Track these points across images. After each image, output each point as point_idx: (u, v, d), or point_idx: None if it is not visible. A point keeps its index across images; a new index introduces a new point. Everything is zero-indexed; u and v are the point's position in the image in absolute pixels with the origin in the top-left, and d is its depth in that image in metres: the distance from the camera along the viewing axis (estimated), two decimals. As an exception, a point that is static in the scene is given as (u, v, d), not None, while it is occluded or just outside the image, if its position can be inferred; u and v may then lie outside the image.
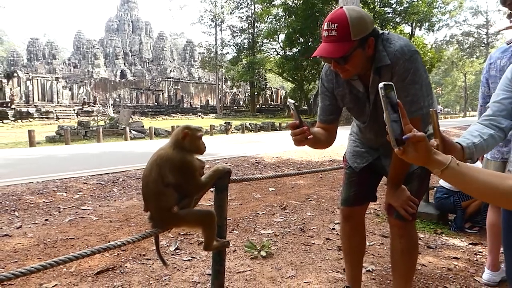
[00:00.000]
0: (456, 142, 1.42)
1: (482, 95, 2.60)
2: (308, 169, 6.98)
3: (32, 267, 1.28)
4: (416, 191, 1.89)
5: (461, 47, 58.67)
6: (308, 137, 1.60)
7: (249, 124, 22.86)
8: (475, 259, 3.03)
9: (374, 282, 2.62)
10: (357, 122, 2.05)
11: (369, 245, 3.22)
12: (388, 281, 2.61)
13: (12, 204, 4.37)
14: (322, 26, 1.63)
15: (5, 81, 33.34)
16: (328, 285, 2.57)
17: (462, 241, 3.42)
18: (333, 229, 3.72)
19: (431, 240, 3.44)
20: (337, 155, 8.41)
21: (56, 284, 2.52)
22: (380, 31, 1.69)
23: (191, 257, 3.01)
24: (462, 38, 57.87)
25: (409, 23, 33.99)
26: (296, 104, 1.58)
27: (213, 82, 51.72)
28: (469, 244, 3.34)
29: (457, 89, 71.08)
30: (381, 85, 1.03)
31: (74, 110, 34.03)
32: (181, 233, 3.51)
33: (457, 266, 2.88)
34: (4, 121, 27.87)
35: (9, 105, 30.64)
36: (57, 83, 37.26)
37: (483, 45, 56.37)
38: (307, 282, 2.61)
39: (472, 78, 62.37)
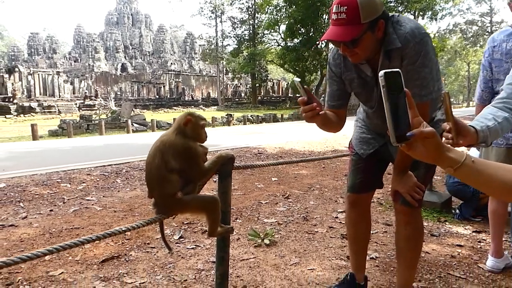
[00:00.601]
0: (470, 125, 1.39)
1: (483, 79, 2.53)
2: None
3: (39, 252, 1.29)
4: (422, 177, 1.88)
5: (465, 36, 58.01)
6: (320, 112, 1.59)
7: (251, 116, 22.83)
8: (478, 246, 3.03)
9: (377, 269, 2.64)
10: (365, 108, 2.03)
11: (372, 233, 3.23)
12: (392, 268, 2.62)
13: (17, 195, 4.40)
14: (331, 9, 1.61)
15: (6, 76, 33.33)
16: (331, 272, 2.58)
17: (465, 229, 3.43)
18: (336, 217, 3.74)
19: (434, 228, 3.45)
20: (340, 145, 8.41)
21: (62, 272, 2.54)
22: (390, 14, 1.67)
23: (195, 245, 3.03)
24: (466, 27, 57.21)
25: (411, 12, 33.68)
26: (301, 81, 1.56)
27: (214, 75, 51.59)
28: (473, 232, 3.35)
29: (460, 79, 70.64)
30: (381, 73, 0.92)
31: (76, 104, 34.03)
32: (185, 222, 3.53)
33: (460, 254, 2.88)
34: (7, 116, 27.91)
35: (11, 100, 30.67)
36: (58, 77, 37.24)
37: (487, 33, 55.77)
38: (311, 269, 2.63)
39: (476, 67, 61.82)
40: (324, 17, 31.84)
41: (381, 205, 4.16)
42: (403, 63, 1.64)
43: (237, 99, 47.14)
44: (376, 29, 1.59)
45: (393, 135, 0.91)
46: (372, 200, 2.45)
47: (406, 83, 1.71)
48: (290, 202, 4.28)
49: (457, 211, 3.72)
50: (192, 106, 41.42)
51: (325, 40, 1.65)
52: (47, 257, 2.76)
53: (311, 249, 2.97)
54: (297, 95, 43.03)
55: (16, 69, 35.05)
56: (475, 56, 58.21)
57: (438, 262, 2.73)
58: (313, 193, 4.67)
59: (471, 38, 58.20)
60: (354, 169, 2.13)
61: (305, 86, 1.57)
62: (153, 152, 1.61)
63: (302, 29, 33.49)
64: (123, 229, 1.52)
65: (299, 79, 1.56)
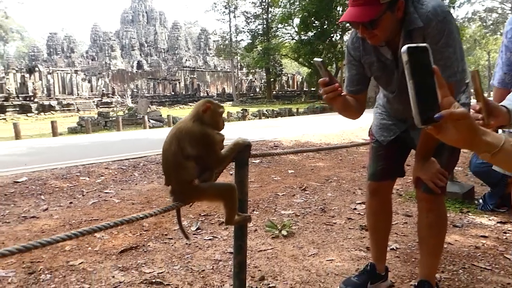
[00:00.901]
0: (501, 105, 1.32)
1: (507, 61, 2.40)
2: (328, 151, 6.92)
3: (59, 237, 1.28)
4: (446, 164, 1.81)
5: (484, 24, 56.26)
6: (341, 94, 1.55)
7: (266, 110, 22.78)
8: (504, 237, 2.93)
9: (398, 260, 2.58)
10: (385, 92, 1.98)
11: (392, 224, 3.15)
12: (413, 259, 2.57)
13: (38, 188, 4.48)
14: None
15: (27, 75, 34.05)
16: (350, 263, 2.54)
17: (490, 220, 3.33)
18: (355, 209, 3.68)
19: (456, 219, 3.36)
20: (357, 137, 8.30)
21: (82, 262, 2.57)
22: None
23: (213, 236, 3.03)
24: (485, 15, 55.47)
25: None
26: (323, 61, 1.52)
27: (228, 70, 51.60)
28: (497, 222, 3.25)
29: (481, 68, 68.88)
30: (404, 48, 0.81)
31: (94, 101, 34.53)
32: (202, 214, 3.53)
33: (485, 245, 2.80)
34: (28, 115, 28.52)
35: (32, 98, 31.32)
36: (76, 76, 37.84)
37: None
38: (330, 260, 2.59)
39: (496, 56, 60.10)
40: (338, 9, 31.42)
41: (401, 196, 4.08)
42: (425, 43, 1.58)
43: (252, 94, 47.09)
44: (395, 9, 1.54)
45: (418, 116, 0.80)
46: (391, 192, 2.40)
47: None
48: (307, 194, 4.24)
49: (480, 201, 3.62)
50: (208, 102, 41.41)
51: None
52: (67, 247, 2.80)
53: (329, 240, 2.93)
54: (312, 88, 42.77)
55: (36, 68, 35.77)
56: (495, 45, 56.45)
57: (461, 253, 2.66)
58: (330, 185, 4.62)
59: (491, 26, 56.36)
60: (374, 157, 2.08)
61: (327, 67, 1.53)
62: (169, 139, 1.59)
63: (316, 22, 33.19)
64: (140, 216, 1.51)
65: (320, 59, 1.52)
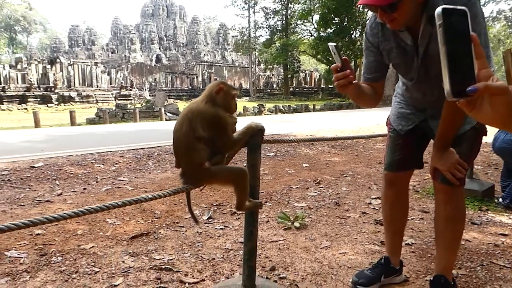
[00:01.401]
0: None
1: None
2: (343, 147, 6.82)
3: (65, 213, 1.27)
4: (465, 154, 1.73)
5: (509, 23, 54.80)
6: (353, 81, 1.49)
7: (283, 106, 22.70)
8: (524, 236, 2.83)
9: (413, 255, 2.51)
10: (404, 80, 1.91)
11: (408, 220, 3.07)
12: (429, 255, 2.49)
13: (53, 174, 4.54)
14: None
15: (49, 67, 34.70)
16: (364, 257, 2.48)
17: (510, 218, 3.21)
18: (370, 203, 3.60)
19: (475, 216, 3.25)
20: (373, 133, 8.16)
21: (93, 246, 2.57)
22: None
23: (224, 226, 3.00)
24: (511, 14, 54.00)
25: None
26: (338, 46, 1.46)
27: (246, 65, 51.57)
28: (518, 221, 3.13)
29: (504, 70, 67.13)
30: (438, 9, 0.72)
31: (112, 94, 34.99)
32: (214, 204, 3.51)
33: (505, 243, 2.70)
34: (49, 105, 29.09)
35: (52, 89, 31.92)
36: (96, 68, 38.35)
37: (533, 21, 52.59)
38: (342, 253, 2.53)
39: (520, 57, 58.33)
40: (358, 5, 30.96)
41: (417, 192, 3.98)
42: None
43: (269, 90, 46.98)
44: None
45: (449, 87, 0.71)
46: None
47: None
48: (321, 187, 4.18)
49: (500, 200, 3.51)
50: (224, 97, 41.53)
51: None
52: (79, 232, 2.81)
53: (343, 234, 2.87)
54: (330, 86, 42.40)
55: (58, 60, 36.39)
56: (521, 45, 54.89)
57: (480, 251, 2.56)
58: (345, 180, 4.54)
59: (517, 26, 54.80)
60: (391, 146, 2.01)
61: (341, 53, 1.47)
62: (181, 119, 1.56)
63: (335, 18, 32.83)
64: (149, 196, 1.49)
65: (334, 43, 1.46)
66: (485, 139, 1.88)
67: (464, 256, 2.48)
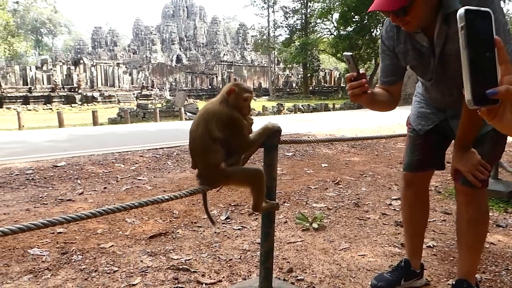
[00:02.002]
0: None
1: None
2: (363, 146, 6.73)
3: (83, 214, 1.28)
4: (488, 155, 1.67)
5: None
6: (367, 91, 1.46)
7: (302, 105, 22.56)
8: (553, 239, 2.72)
9: (435, 258, 2.44)
10: (422, 81, 1.87)
11: (429, 222, 3.01)
12: (452, 258, 2.42)
13: (75, 173, 4.63)
14: None
15: (73, 68, 35.54)
16: (384, 259, 2.43)
17: (537, 220, 3.10)
18: (390, 204, 3.54)
19: (500, 218, 3.15)
20: (394, 133, 8.02)
21: (112, 245, 2.61)
22: None
23: (242, 226, 2.99)
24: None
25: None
26: (353, 55, 1.45)
27: (265, 65, 51.51)
28: (546, 224, 3.02)
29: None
30: (461, 11, 0.67)
31: (134, 94, 35.53)
32: (232, 204, 3.51)
33: (531, 246, 2.61)
34: (72, 105, 29.78)
35: (76, 90, 32.67)
36: (118, 68, 39.03)
37: None
38: (362, 255, 2.49)
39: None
40: (380, 3, 30.48)
41: (440, 194, 3.89)
42: None
43: (288, 89, 46.83)
44: None
45: (470, 93, 0.65)
46: (429, 188, 2.25)
47: None
48: (341, 188, 4.12)
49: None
50: (244, 96, 41.63)
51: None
52: (99, 231, 2.86)
53: (362, 235, 2.82)
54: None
55: (81, 61, 37.23)
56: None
57: (505, 254, 2.48)
58: (365, 180, 4.47)
59: (546, 23, 52.86)
60: (411, 147, 1.97)
61: (356, 62, 1.46)
62: (197, 120, 1.56)
63: (356, 16, 32.42)
64: (166, 197, 1.49)
65: (350, 53, 1.45)
66: (510, 139, 1.81)
67: (489, 259, 2.40)
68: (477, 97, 0.65)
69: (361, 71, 1.47)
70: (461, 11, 0.67)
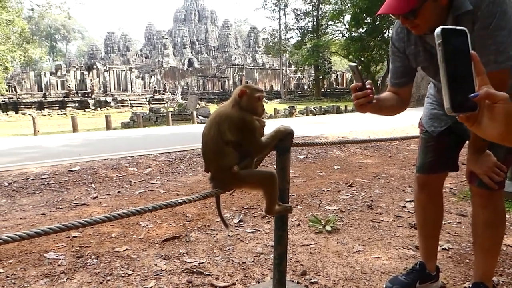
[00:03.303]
0: None
1: None
2: (376, 148, 6.67)
3: (98, 218, 1.30)
4: (503, 157, 1.65)
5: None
6: (372, 101, 1.47)
7: (314, 107, 22.54)
8: None
9: (451, 261, 2.41)
10: (434, 82, 1.85)
11: (445, 224, 2.97)
12: (467, 261, 2.38)
13: (89, 177, 4.69)
14: None
15: (86, 73, 36.10)
16: (398, 262, 2.40)
17: (556, 222, 3.03)
18: (404, 207, 3.50)
19: (518, 221, 3.09)
20: (407, 134, 7.94)
21: (126, 249, 2.63)
22: None
23: (255, 229, 2.99)
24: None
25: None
26: (358, 66, 1.46)
27: (277, 68, 51.57)
28: None
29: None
30: (437, 30, 0.76)
31: (146, 98, 35.92)
32: (245, 207, 3.51)
33: (550, 249, 2.55)
34: (86, 110, 30.24)
35: (90, 95, 33.15)
36: (130, 73, 39.52)
37: None
38: (376, 257, 2.47)
39: None
40: (392, 4, 30.27)
41: (455, 195, 3.83)
42: (475, 27, 1.44)
43: (300, 92, 46.77)
44: None
45: (448, 101, 0.74)
46: (444, 190, 2.22)
47: (479, 50, 1.51)
48: (354, 190, 4.10)
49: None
50: (255, 99, 41.76)
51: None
52: (113, 234, 2.89)
53: (376, 238, 2.79)
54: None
55: (95, 66, 37.81)
56: None
57: (523, 257, 2.43)
58: (378, 182, 4.43)
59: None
60: (424, 148, 1.95)
61: (361, 72, 1.47)
62: (209, 124, 1.57)
63: (367, 18, 32.23)
64: (179, 201, 1.50)
65: (355, 63, 1.46)
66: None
67: (506, 262, 2.36)
68: (455, 105, 0.74)
69: (367, 85, 1.48)
70: (437, 30, 0.76)
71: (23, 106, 29.80)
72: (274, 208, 1.66)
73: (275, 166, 1.83)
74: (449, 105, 0.74)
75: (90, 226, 1.33)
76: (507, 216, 3.10)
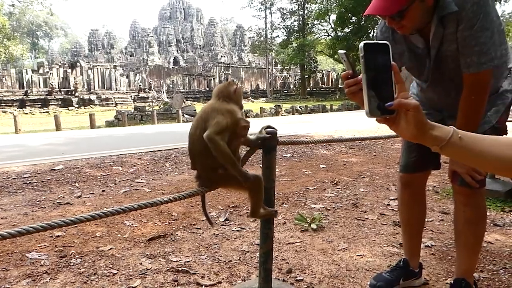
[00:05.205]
0: None
1: None
2: (361, 147, 6.74)
3: (82, 216, 1.28)
4: None
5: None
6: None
7: (300, 107, 22.62)
8: (550, 238, 2.73)
9: (433, 258, 2.45)
10: (418, 82, 1.88)
11: (427, 221, 3.02)
12: (450, 257, 2.43)
13: (73, 176, 4.63)
14: None
15: (69, 70, 35.51)
16: (382, 259, 2.44)
17: (534, 219, 3.11)
18: (388, 205, 3.55)
19: (497, 218, 3.16)
20: (392, 133, 8.05)
21: (111, 248, 2.60)
22: None
23: (240, 228, 3.00)
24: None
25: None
26: (347, 53, 1.46)
27: (263, 66, 51.62)
28: (543, 222, 3.03)
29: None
30: (361, 45, 0.87)
31: (131, 96, 35.52)
32: (231, 205, 3.51)
33: (529, 245, 2.62)
34: (69, 108, 29.73)
35: (73, 93, 32.61)
36: (115, 71, 39.03)
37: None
38: (360, 255, 2.50)
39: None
40: (376, 4, 30.64)
41: (437, 193, 3.90)
42: (459, 28, 1.47)
43: (286, 91, 46.90)
44: None
45: (367, 107, 0.84)
46: (427, 188, 2.25)
47: (462, 51, 1.54)
48: (339, 188, 4.13)
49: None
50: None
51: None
52: (97, 234, 2.85)
53: (360, 235, 2.83)
54: (348, 85, 41.97)
55: (78, 64, 37.22)
56: (545, 42, 53.10)
57: (502, 253, 2.49)
58: (363, 181, 4.48)
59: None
60: (407, 148, 1.98)
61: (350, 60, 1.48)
62: (195, 122, 1.56)
63: (353, 17, 32.58)
64: (165, 199, 1.49)
65: (344, 51, 1.46)
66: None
67: (486, 258, 2.41)
68: (372, 109, 0.84)
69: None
70: (361, 45, 0.86)
71: (3, 104, 29.13)
72: (259, 211, 1.67)
73: (261, 165, 1.83)
74: (367, 109, 0.84)
75: (74, 225, 1.31)
76: (487, 213, 3.18)
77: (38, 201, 3.69)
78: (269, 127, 1.80)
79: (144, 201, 1.43)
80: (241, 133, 1.56)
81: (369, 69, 0.85)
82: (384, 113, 0.84)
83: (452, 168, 1.73)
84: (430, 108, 1.88)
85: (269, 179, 1.78)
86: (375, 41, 0.87)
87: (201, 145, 1.52)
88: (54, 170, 4.89)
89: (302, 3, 39.28)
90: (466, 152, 0.84)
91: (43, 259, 2.43)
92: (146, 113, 18.35)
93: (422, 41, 1.61)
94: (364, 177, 4.66)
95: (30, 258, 2.43)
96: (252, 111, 19.95)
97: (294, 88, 47.55)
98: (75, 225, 3.00)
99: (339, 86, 46.50)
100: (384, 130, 9.08)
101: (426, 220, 2.28)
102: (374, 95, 0.84)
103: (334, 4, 33.62)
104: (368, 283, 2.09)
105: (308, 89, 44.49)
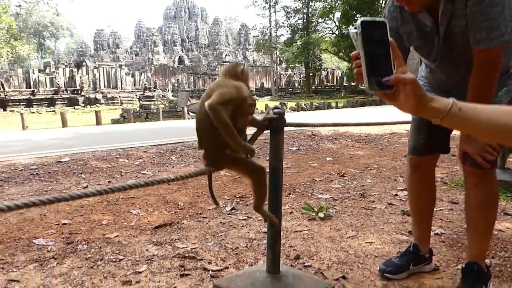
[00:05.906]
0: None
1: None
2: (367, 141, 6.70)
3: (89, 191, 1.27)
4: None
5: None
6: None
7: (305, 104, 22.59)
8: (562, 226, 2.69)
9: (443, 245, 2.42)
10: (427, 62, 1.85)
11: (436, 210, 2.98)
12: (460, 244, 2.40)
13: (79, 168, 4.63)
14: None
15: (75, 70, 35.66)
16: (391, 246, 2.41)
17: (545, 209, 3.07)
18: (396, 195, 3.52)
19: (508, 207, 3.12)
20: (398, 128, 8.01)
21: (117, 235, 2.59)
22: None
23: (247, 216, 2.98)
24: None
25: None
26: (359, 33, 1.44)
27: (267, 65, 51.53)
28: (555, 212, 2.98)
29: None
30: (358, 22, 0.88)
31: (136, 95, 35.60)
32: (237, 196, 3.49)
33: (540, 233, 2.57)
34: (75, 107, 29.86)
35: (79, 92, 32.76)
36: (120, 70, 39.13)
37: None
38: (369, 242, 2.47)
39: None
40: (380, 1, 30.53)
41: (446, 184, 3.86)
42: (468, 3, 1.44)
43: (291, 89, 46.81)
44: None
45: (367, 81, 0.87)
46: (435, 180, 2.22)
47: (472, 26, 1.50)
48: (346, 180, 4.10)
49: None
50: (246, 97, 41.80)
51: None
52: (104, 221, 2.85)
53: (368, 224, 2.80)
54: (352, 83, 41.87)
55: (84, 63, 37.36)
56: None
57: (514, 240, 2.45)
58: (370, 172, 4.44)
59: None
60: (415, 129, 1.94)
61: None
62: (201, 101, 1.54)
63: (357, 15, 32.40)
64: (171, 177, 1.47)
65: (355, 30, 1.43)
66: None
67: (497, 246, 2.38)
68: (371, 84, 0.86)
69: None
70: (358, 21, 0.88)
71: (11, 104, 29.30)
72: (262, 206, 1.65)
73: (267, 158, 1.81)
74: (367, 84, 0.86)
75: (79, 199, 1.30)
76: (499, 203, 3.14)
77: (45, 191, 3.69)
78: (276, 107, 1.78)
79: (151, 179, 1.42)
80: (247, 111, 1.54)
81: (367, 45, 0.87)
82: (383, 88, 0.86)
83: (462, 149, 1.69)
84: (438, 90, 1.85)
85: (277, 160, 1.76)
86: (372, 18, 0.89)
87: (206, 123, 1.50)
88: (61, 162, 4.89)
89: (307, 1, 39.17)
90: (467, 122, 0.85)
91: (49, 245, 2.42)
92: (151, 111, 18.41)
93: (430, 19, 1.59)
94: (371, 169, 4.62)
95: (37, 244, 2.43)
96: (257, 109, 19.94)
97: (299, 86, 47.43)
98: (81, 214, 3.00)
99: (344, 84, 46.36)
100: (391, 125, 9.02)
101: (435, 209, 2.25)
102: (372, 70, 0.86)
103: (339, 2, 33.53)
104: (378, 268, 2.06)
105: (313, 87, 44.38)
